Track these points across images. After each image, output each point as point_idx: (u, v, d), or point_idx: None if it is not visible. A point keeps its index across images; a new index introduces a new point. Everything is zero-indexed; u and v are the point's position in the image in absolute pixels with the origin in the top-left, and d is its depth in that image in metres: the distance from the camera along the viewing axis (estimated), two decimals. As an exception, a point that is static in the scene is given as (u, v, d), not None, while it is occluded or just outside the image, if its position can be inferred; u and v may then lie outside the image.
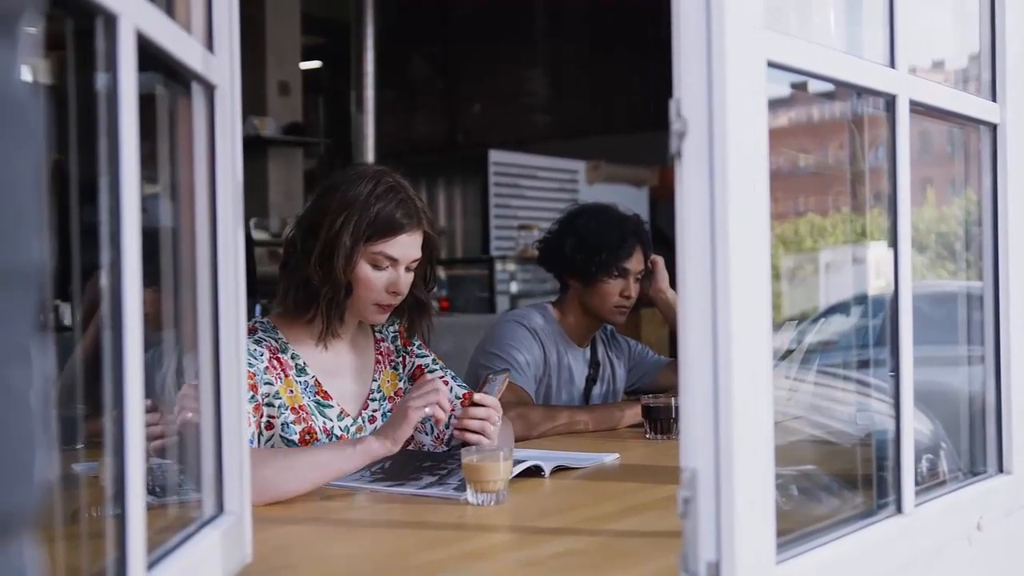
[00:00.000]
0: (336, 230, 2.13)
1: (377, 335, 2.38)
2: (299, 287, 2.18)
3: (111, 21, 0.98)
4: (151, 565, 1.07)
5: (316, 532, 1.74)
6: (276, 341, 2.20)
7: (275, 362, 2.16)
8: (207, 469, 1.34)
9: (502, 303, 7.20)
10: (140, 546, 1.00)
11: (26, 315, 0.55)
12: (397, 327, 2.40)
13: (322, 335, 2.22)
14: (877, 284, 1.93)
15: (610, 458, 2.31)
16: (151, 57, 1.09)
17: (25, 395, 0.54)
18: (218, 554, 1.29)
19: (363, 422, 2.26)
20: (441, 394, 1.98)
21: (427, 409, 1.95)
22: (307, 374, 2.20)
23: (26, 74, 0.57)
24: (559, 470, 2.15)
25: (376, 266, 2.17)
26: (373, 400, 2.31)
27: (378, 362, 2.34)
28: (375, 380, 2.32)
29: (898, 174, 1.50)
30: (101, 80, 1.00)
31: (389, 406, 2.31)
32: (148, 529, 1.02)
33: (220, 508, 1.35)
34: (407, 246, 2.18)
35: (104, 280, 1.00)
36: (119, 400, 0.99)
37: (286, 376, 2.17)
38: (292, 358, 2.20)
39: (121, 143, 0.99)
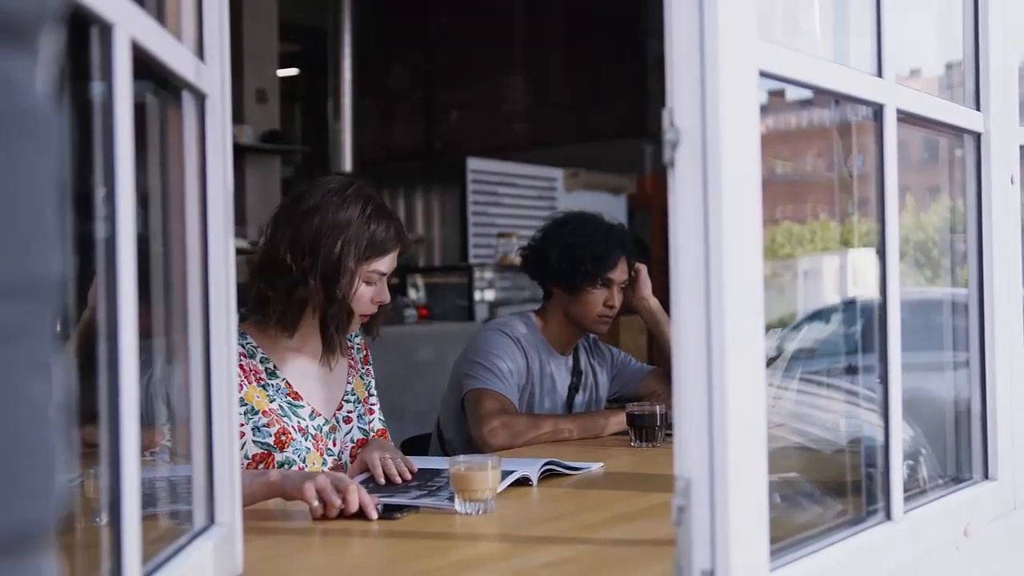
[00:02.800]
0: (338, 254, 2.19)
1: (347, 342, 2.42)
2: (298, 306, 2.22)
3: (106, 30, 0.97)
4: (145, 577, 1.07)
5: (306, 543, 1.73)
6: (243, 346, 2.23)
7: (239, 369, 2.17)
8: (198, 480, 1.33)
9: (481, 311, 7.18)
10: (135, 558, 1.00)
11: (46, 328, 0.54)
12: (361, 340, 2.47)
13: (325, 355, 2.28)
14: (857, 291, 1.95)
15: (596, 467, 2.31)
16: (143, 65, 1.09)
17: (46, 409, 0.54)
18: (210, 565, 1.28)
19: (337, 422, 2.32)
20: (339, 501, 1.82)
21: (315, 503, 1.79)
22: (278, 377, 2.25)
23: (45, 86, 0.57)
24: (548, 475, 2.15)
25: (368, 282, 2.26)
26: (348, 401, 2.37)
27: (351, 367, 2.41)
28: (349, 383, 2.39)
29: (885, 182, 1.51)
30: (95, 89, 0.99)
31: (362, 409, 2.39)
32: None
33: (211, 519, 1.34)
34: (393, 260, 2.29)
35: (98, 289, 0.99)
36: (114, 411, 0.98)
37: (250, 382, 2.20)
38: (261, 362, 2.24)
39: (116, 151, 0.98)
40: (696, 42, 1.15)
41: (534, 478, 2.10)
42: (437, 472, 2.15)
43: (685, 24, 1.15)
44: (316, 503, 1.80)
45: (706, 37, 1.15)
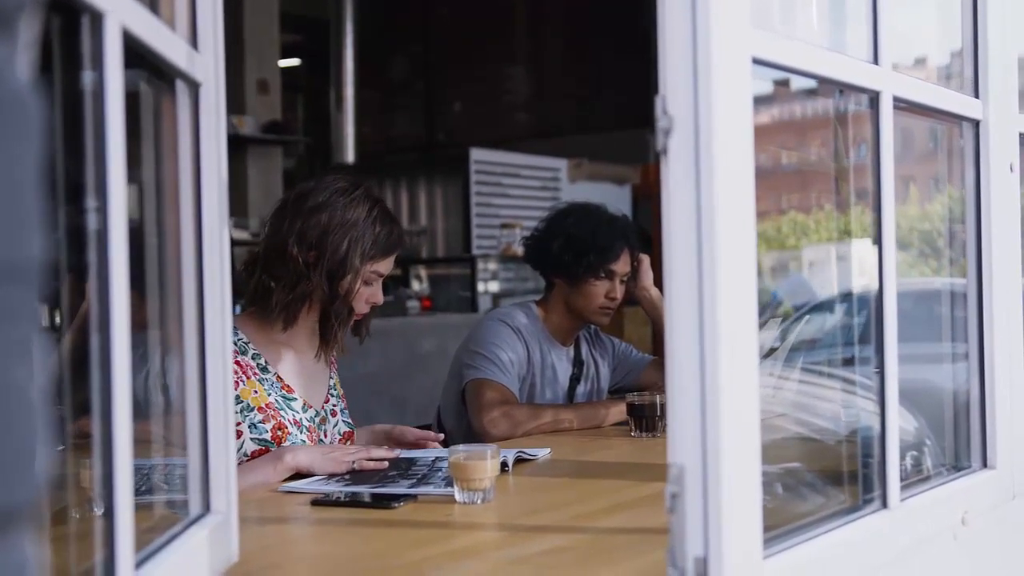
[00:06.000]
0: (344, 251, 2.22)
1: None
2: (300, 300, 2.25)
3: (97, 19, 0.97)
4: (138, 564, 1.07)
5: (302, 532, 1.74)
6: (235, 343, 2.24)
7: (235, 366, 2.19)
8: (194, 468, 1.34)
9: (484, 302, 7.18)
10: (128, 545, 1.00)
11: (28, 311, 0.55)
12: None
13: (322, 351, 2.33)
14: (860, 282, 1.94)
15: (543, 452, 2.34)
16: (135, 54, 1.09)
17: (28, 391, 0.54)
18: (205, 553, 1.29)
19: (326, 414, 2.38)
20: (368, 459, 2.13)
21: (355, 464, 2.11)
22: (269, 372, 2.27)
23: (25, 71, 0.57)
24: (519, 462, 2.20)
25: (367, 282, 2.29)
26: (332, 395, 2.42)
27: (332, 363, 2.45)
28: (331, 378, 2.44)
29: (882, 170, 1.51)
30: (86, 78, 0.99)
31: (343, 404, 2.45)
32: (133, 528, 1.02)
33: (207, 507, 1.34)
34: (392, 263, 2.34)
35: (90, 281, 0.99)
36: (107, 401, 0.98)
37: (248, 378, 2.22)
38: (253, 358, 2.27)
39: (108, 142, 0.98)
40: (688, 29, 1.15)
41: (510, 464, 2.13)
42: (413, 462, 2.17)
43: (678, 11, 1.15)
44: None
45: (698, 24, 1.14)
